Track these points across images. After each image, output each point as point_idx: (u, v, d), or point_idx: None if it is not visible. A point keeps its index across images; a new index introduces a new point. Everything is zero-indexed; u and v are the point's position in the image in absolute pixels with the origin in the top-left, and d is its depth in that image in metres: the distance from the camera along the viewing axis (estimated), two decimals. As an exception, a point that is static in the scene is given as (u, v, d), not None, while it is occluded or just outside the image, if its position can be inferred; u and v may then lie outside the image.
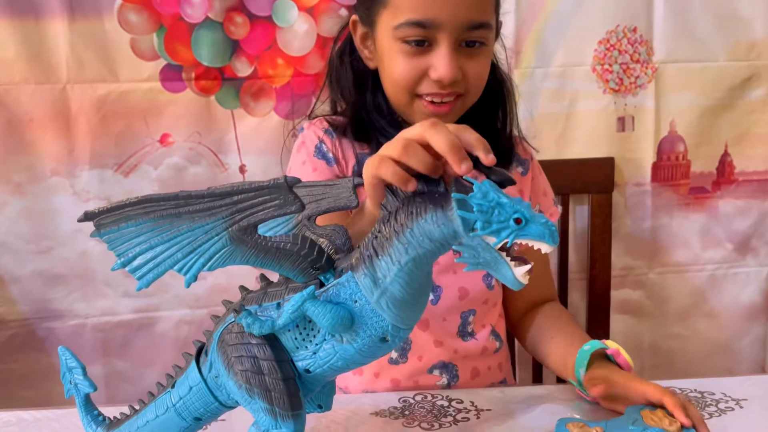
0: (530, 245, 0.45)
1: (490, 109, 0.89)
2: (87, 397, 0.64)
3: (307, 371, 0.51)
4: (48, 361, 1.23)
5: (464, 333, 0.87)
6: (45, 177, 1.18)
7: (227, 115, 1.20)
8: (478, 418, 0.70)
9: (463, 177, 0.47)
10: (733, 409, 0.71)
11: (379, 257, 0.48)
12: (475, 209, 0.44)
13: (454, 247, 0.47)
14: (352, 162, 0.88)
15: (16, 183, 1.17)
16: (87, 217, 0.47)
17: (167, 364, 1.24)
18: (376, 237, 0.48)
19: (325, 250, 0.51)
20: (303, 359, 0.51)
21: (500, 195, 0.45)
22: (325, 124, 0.91)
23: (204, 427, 0.61)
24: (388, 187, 0.49)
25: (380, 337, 0.49)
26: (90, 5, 1.13)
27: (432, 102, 0.80)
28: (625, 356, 0.72)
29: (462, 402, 0.73)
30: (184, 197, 0.47)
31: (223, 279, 1.22)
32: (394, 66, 0.80)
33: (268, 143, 1.20)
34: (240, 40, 1.18)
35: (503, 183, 0.47)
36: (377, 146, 0.85)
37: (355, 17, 0.87)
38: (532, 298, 0.94)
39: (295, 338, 0.51)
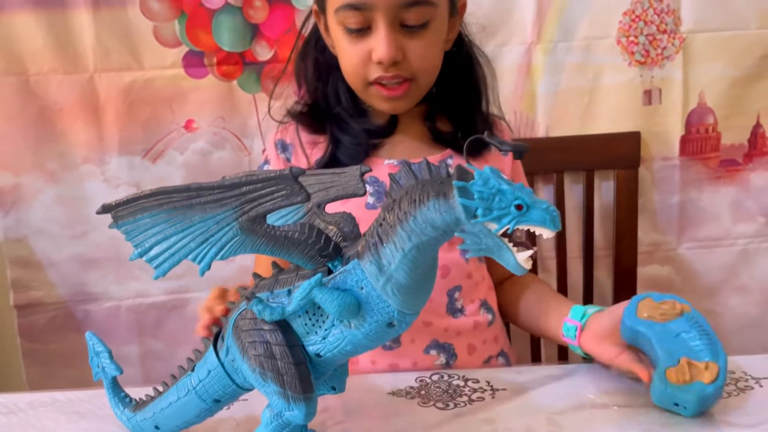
0: (532, 231, 0.45)
1: (460, 87, 0.88)
2: (114, 379, 0.67)
3: (318, 356, 0.53)
4: (86, 342, 1.28)
5: (453, 310, 0.87)
6: (77, 164, 1.22)
7: (249, 100, 1.22)
8: (493, 397, 0.71)
9: (467, 163, 0.48)
10: (752, 388, 0.71)
11: (384, 245, 0.48)
12: (476, 196, 0.45)
13: (456, 233, 0.47)
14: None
15: (50, 171, 1.21)
16: (104, 209, 0.49)
17: (199, 343, 1.28)
18: (381, 225, 0.49)
19: (333, 238, 0.52)
20: (313, 344, 0.53)
21: (501, 181, 0.45)
22: (284, 132, 0.93)
23: (227, 406, 0.64)
24: (392, 176, 0.50)
25: (387, 322, 0.50)
26: (113, -6, 1.16)
27: (383, 85, 0.80)
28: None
29: (478, 382, 0.74)
30: (196, 189, 0.49)
31: (250, 260, 1.25)
32: (342, 53, 0.82)
33: (290, 126, 1.21)
34: (260, 24, 1.19)
35: (519, 152, 0.47)
36: (331, 138, 0.87)
37: (315, 6, 0.87)
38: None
39: (305, 324, 0.52)
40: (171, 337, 1.28)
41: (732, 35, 1.21)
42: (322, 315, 0.52)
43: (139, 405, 0.66)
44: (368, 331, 0.50)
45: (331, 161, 0.87)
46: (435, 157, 0.86)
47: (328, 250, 0.51)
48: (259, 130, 1.23)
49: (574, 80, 1.23)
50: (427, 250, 0.48)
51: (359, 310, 0.50)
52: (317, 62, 0.89)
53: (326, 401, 0.70)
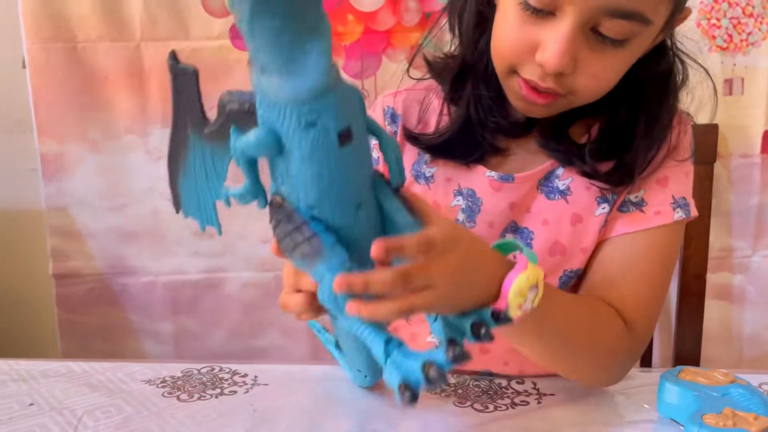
0: None
1: (635, 107, 0.66)
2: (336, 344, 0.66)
3: (310, 208, 0.46)
4: (122, 316, 1.26)
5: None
6: (119, 135, 1.19)
7: (296, 74, 1.16)
8: (539, 403, 0.63)
9: None
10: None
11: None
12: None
13: None
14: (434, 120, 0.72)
15: (92, 140, 1.19)
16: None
17: (233, 324, 1.25)
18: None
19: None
20: (296, 199, 0.46)
21: None
22: (395, 99, 0.76)
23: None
24: None
25: (305, 119, 0.42)
26: (163, -39, 1.13)
27: (530, 85, 0.61)
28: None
29: (522, 383, 0.67)
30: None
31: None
32: (503, 24, 0.62)
33: (337, 104, 1.16)
34: (311, -5, 1.13)
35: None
36: (465, 111, 0.67)
37: None
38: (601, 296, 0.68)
39: (279, 186, 0.47)
40: (205, 317, 1.25)
41: (830, 21, 1.09)
42: (276, 170, 0.46)
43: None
44: (298, 146, 0.43)
45: (442, 146, 0.70)
46: (544, 167, 0.69)
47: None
48: (304, 107, 1.17)
49: (647, 65, 1.13)
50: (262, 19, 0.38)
51: (270, 133, 0.43)
52: (480, 7, 0.68)
53: (355, 395, 0.64)
